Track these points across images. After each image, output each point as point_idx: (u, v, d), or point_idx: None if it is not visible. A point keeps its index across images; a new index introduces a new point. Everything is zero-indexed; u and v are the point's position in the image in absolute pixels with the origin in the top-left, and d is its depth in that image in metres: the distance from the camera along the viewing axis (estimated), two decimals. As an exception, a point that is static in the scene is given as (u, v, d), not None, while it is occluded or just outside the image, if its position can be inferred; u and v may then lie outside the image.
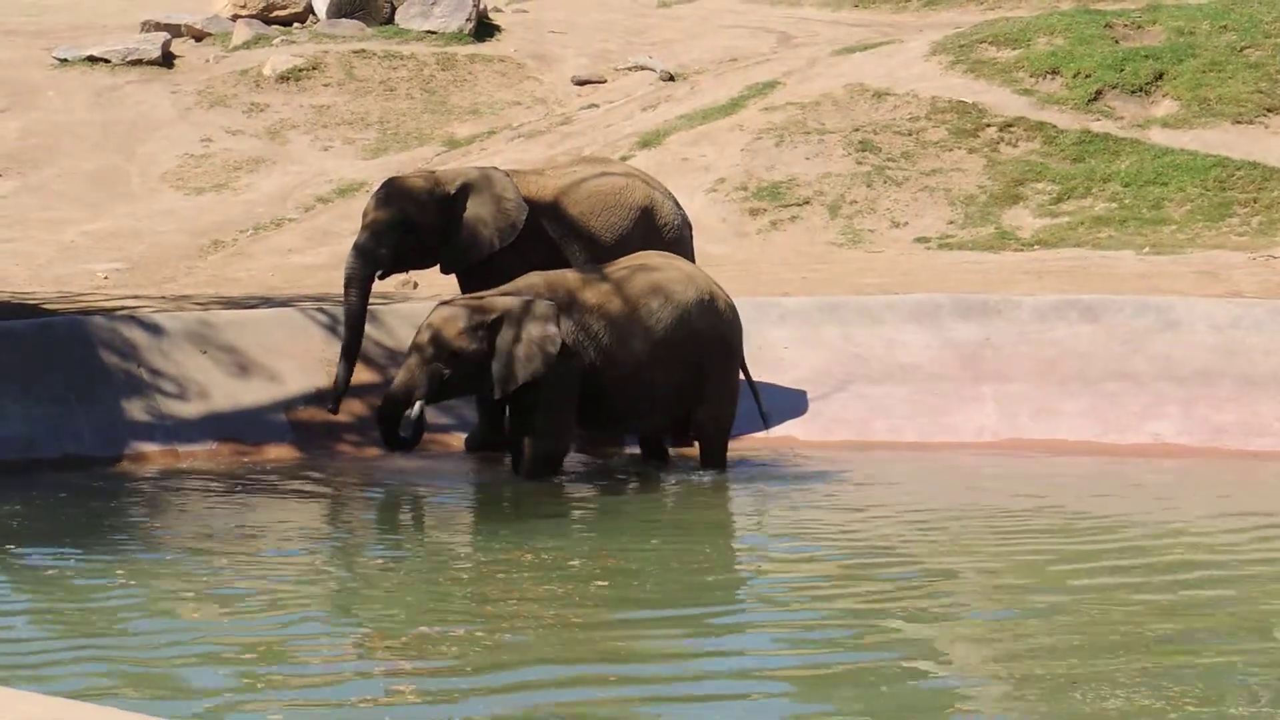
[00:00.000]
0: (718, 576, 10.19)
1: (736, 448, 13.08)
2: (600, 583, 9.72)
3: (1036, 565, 10.13)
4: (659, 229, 13.18)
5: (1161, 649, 8.42)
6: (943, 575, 9.93)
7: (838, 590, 9.60)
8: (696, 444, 12.76)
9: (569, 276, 12.36)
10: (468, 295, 12.50)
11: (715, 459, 12.67)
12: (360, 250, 12.89)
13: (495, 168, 13.37)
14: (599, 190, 13.13)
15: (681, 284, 12.39)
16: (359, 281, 12.90)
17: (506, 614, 8.98)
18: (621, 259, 12.63)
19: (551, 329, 11.93)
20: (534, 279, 12.31)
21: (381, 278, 13.10)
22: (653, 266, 12.45)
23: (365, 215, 13.02)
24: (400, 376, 12.05)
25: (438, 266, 13.19)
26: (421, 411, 12.02)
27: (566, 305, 12.10)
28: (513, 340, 11.93)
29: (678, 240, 13.27)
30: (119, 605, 9.12)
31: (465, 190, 12.90)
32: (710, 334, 12.42)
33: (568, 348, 12.02)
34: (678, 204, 13.47)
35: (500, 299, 12.11)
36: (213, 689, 7.79)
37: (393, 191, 12.98)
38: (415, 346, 12.04)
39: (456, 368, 11.97)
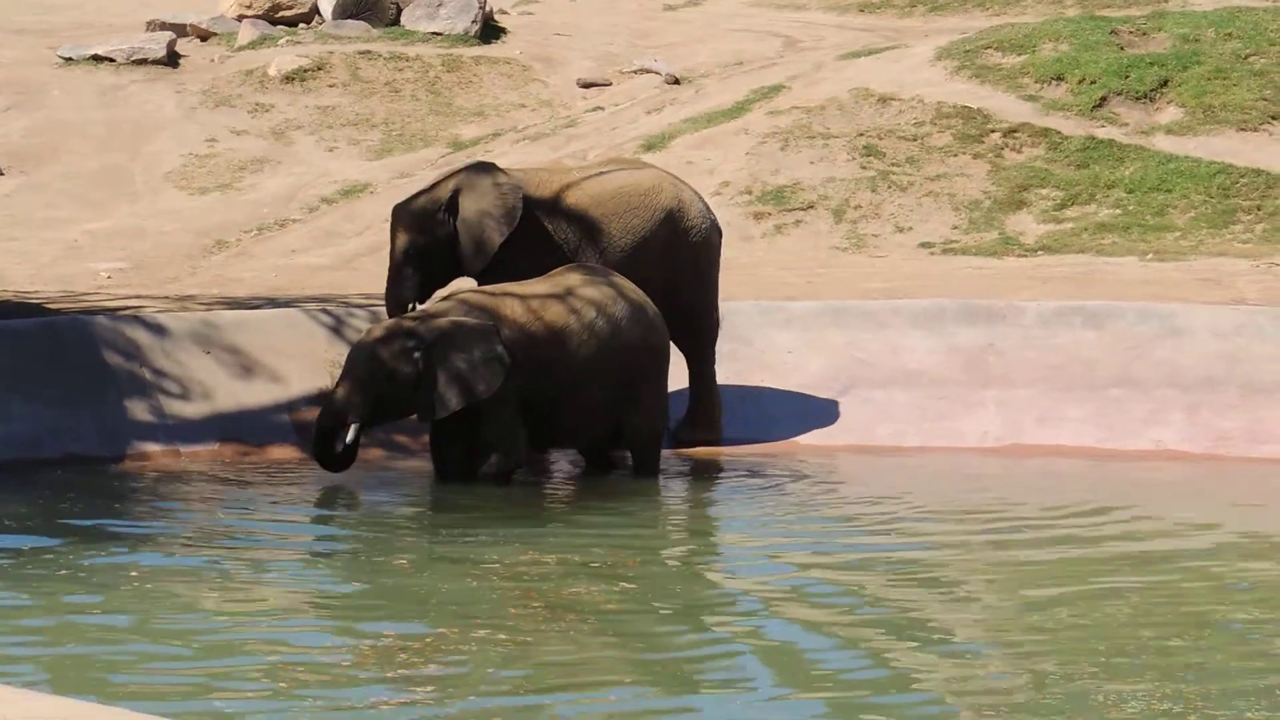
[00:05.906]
0: (740, 579, 10.20)
1: (739, 452, 13.09)
2: (628, 585, 9.70)
3: (1046, 570, 10.14)
4: (684, 231, 13.07)
5: (1180, 651, 8.45)
6: (954, 579, 9.95)
7: (854, 591, 9.67)
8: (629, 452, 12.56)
9: (498, 294, 12.15)
10: (403, 315, 12.31)
11: (651, 467, 12.50)
12: (390, 290, 12.89)
13: (481, 160, 13.38)
14: (624, 190, 13.05)
15: (611, 297, 12.23)
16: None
17: (530, 616, 8.97)
18: (549, 274, 12.42)
19: (498, 350, 11.73)
20: (467, 296, 12.15)
21: (415, 307, 13.00)
22: (581, 280, 12.26)
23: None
24: (336, 397, 11.87)
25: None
26: (358, 434, 11.85)
27: (500, 323, 11.87)
28: (454, 363, 11.71)
29: (704, 244, 13.14)
30: (121, 604, 9.11)
31: (458, 194, 12.86)
32: (641, 345, 12.29)
33: (506, 367, 11.78)
34: (708, 207, 13.39)
35: (436, 319, 11.85)
36: (219, 691, 7.78)
37: (399, 220, 12.96)
38: (349, 367, 11.86)
39: (390, 389, 11.74)
